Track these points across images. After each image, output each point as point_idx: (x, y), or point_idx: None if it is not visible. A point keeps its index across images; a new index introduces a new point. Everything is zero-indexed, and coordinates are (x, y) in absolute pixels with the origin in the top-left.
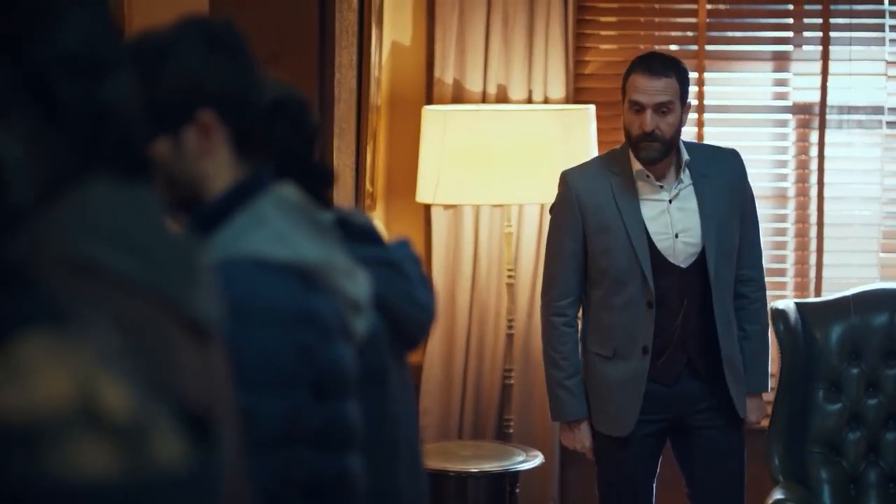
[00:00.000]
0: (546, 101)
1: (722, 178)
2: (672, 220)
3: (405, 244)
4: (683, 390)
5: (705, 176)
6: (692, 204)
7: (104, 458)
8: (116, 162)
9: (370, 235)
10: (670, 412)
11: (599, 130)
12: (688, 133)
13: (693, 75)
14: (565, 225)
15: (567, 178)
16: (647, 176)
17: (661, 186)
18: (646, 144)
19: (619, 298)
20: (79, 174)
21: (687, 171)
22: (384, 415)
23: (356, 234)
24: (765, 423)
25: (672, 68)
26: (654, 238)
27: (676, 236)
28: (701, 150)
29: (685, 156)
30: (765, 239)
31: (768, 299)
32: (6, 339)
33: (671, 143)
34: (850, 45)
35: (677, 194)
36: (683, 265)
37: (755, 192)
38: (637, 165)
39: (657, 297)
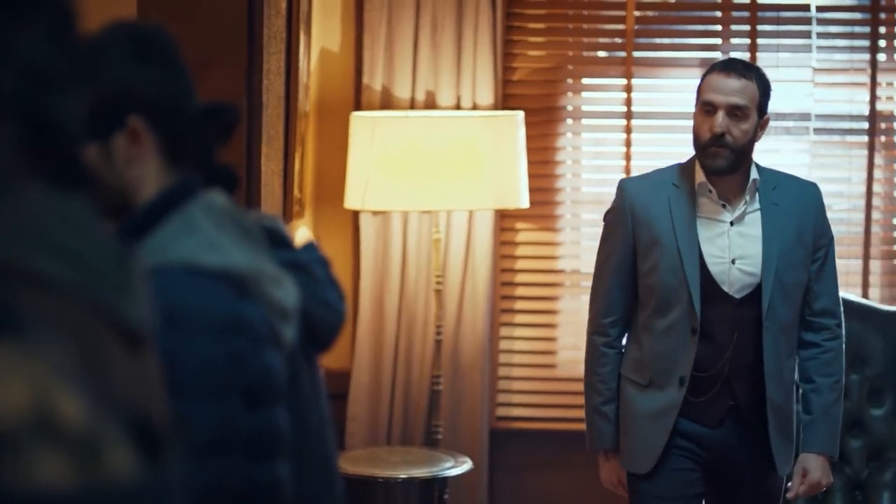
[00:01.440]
0: (475, 107)
1: (794, 211)
2: (731, 243)
3: (313, 246)
4: (726, 436)
5: (776, 204)
6: (755, 230)
7: (59, 468)
8: (53, 171)
9: (280, 239)
10: (708, 454)
11: (528, 137)
12: (616, 140)
13: (621, 82)
14: (614, 236)
15: (623, 187)
16: (710, 191)
17: (724, 206)
18: (715, 150)
19: (663, 322)
20: (12, 179)
21: (757, 195)
22: (299, 419)
23: (266, 237)
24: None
25: (753, 73)
26: (708, 260)
27: (733, 262)
28: (776, 177)
29: (755, 176)
30: None
31: None
32: None
33: (742, 154)
34: (778, 51)
35: (741, 217)
36: (737, 296)
37: None
38: (700, 177)
39: (704, 326)
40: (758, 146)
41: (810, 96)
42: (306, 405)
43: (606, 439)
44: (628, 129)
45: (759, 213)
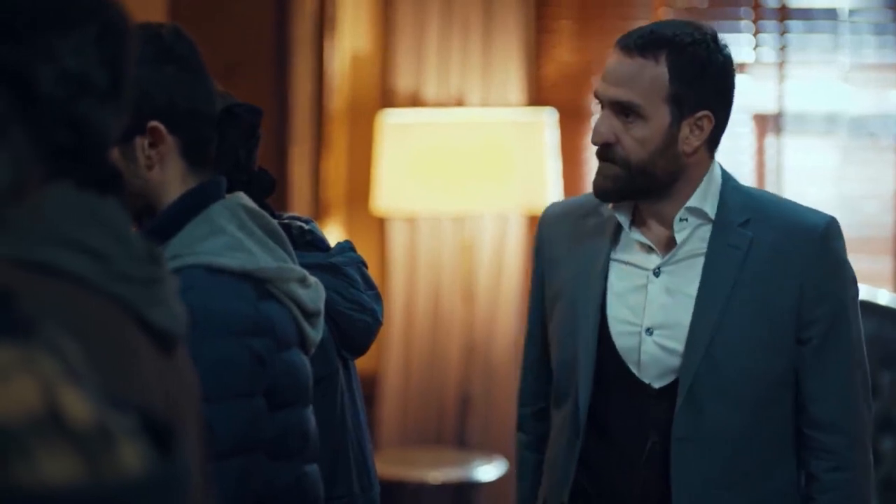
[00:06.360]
0: (504, 106)
1: (771, 258)
2: (648, 303)
3: (348, 247)
4: None
5: (736, 247)
6: (691, 286)
7: (69, 464)
8: (84, 173)
9: (314, 240)
10: None
11: (562, 138)
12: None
13: None
14: (531, 289)
15: (541, 218)
16: (629, 223)
17: (651, 247)
18: (601, 166)
19: (559, 415)
20: (43, 179)
21: (707, 228)
22: (333, 421)
23: (299, 239)
24: None
25: (664, 48)
26: (613, 327)
27: (649, 332)
28: (757, 205)
29: (699, 204)
30: None
31: None
32: None
33: (647, 174)
34: (808, 51)
35: (673, 264)
36: (655, 384)
37: None
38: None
39: (600, 426)
40: (787, 145)
41: (841, 96)
42: (343, 406)
43: None
44: None
45: (701, 258)
